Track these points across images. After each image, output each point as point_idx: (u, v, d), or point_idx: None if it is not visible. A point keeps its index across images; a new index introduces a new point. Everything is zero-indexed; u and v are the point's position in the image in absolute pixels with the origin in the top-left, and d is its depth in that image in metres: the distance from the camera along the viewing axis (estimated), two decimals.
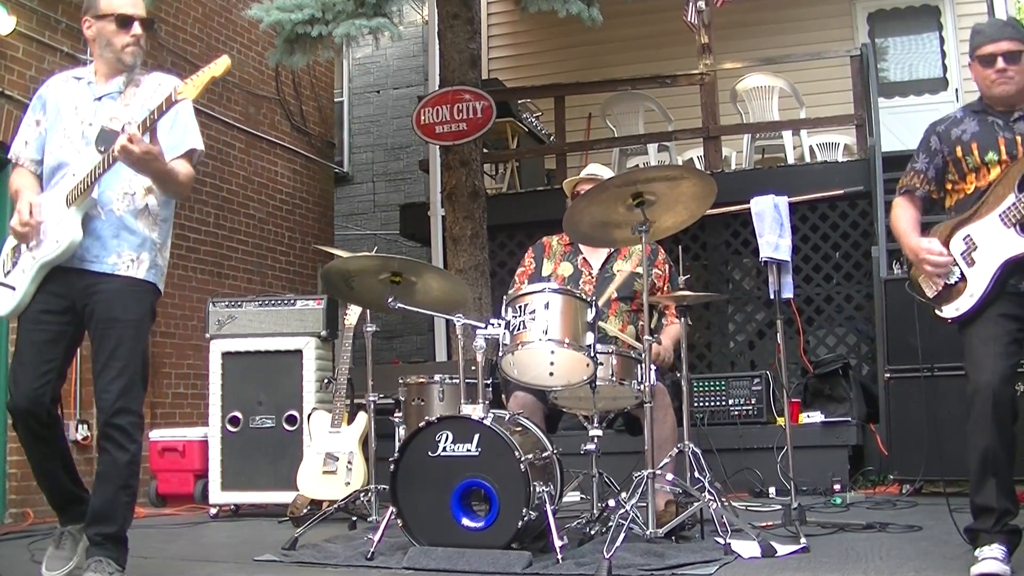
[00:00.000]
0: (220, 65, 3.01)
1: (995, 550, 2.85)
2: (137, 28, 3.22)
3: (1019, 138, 3.09)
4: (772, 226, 4.63)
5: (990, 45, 3.11)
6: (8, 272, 3.21)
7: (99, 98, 3.27)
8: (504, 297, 3.84)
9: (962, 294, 3.06)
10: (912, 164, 3.32)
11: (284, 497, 5.30)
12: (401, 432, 4.31)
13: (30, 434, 3.16)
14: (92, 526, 3.09)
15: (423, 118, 7.07)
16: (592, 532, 3.71)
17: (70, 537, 3.29)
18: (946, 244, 3.12)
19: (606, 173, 4.58)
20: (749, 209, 4.79)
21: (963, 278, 3.07)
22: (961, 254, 3.09)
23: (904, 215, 3.29)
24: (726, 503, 4.13)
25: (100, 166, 3.07)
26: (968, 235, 3.08)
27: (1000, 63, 3.10)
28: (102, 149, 3.09)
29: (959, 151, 3.16)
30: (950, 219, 3.18)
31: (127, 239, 3.19)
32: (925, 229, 3.26)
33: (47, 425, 3.17)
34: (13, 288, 3.18)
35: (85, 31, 3.29)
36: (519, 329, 3.67)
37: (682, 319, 4.19)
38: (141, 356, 3.18)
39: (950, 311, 3.10)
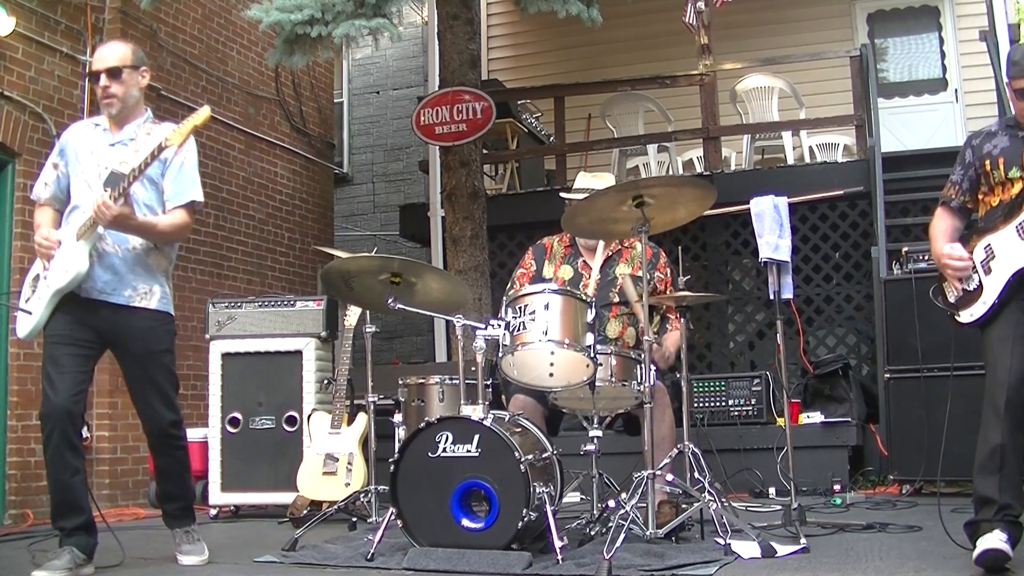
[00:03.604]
0: (201, 115, 3.36)
1: (996, 534, 2.88)
2: (103, 79, 3.54)
3: None
4: (772, 226, 4.62)
5: (1021, 80, 3.13)
6: (28, 300, 3.58)
7: (113, 144, 3.58)
8: (504, 298, 3.83)
9: (977, 301, 3.16)
10: (950, 176, 3.41)
11: (284, 498, 5.30)
12: (401, 433, 4.31)
13: (64, 440, 3.39)
14: (171, 503, 3.74)
15: (423, 119, 7.07)
16: (592, 533, 3.71)
17: (70, 553, 3.36)
18: (970, 253, 3.22)
19: (596, 184, 4.51)
20: (749, 209, 4.79)
21: (980, 285, 3.16)
22: (981, 262, 3.18)
23: (939, 224, 3.40)
24: (726, 503, 4.13)
25: None
26: (989, 244, 3.17)
27: None
28: (108, 191, 3.35)
29: (987, 165, 3.25)
30: (978, 228, 3.26)
31: (141, 274, 3.58)
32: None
33: (79, 433, 3.46)
34: (30, 313, 3.53)
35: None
36: (519, 330, 3.67)
37: (682, 320, 4.18)
38: (174, 376, 3.77)
39: (966, 316, 3.22)
